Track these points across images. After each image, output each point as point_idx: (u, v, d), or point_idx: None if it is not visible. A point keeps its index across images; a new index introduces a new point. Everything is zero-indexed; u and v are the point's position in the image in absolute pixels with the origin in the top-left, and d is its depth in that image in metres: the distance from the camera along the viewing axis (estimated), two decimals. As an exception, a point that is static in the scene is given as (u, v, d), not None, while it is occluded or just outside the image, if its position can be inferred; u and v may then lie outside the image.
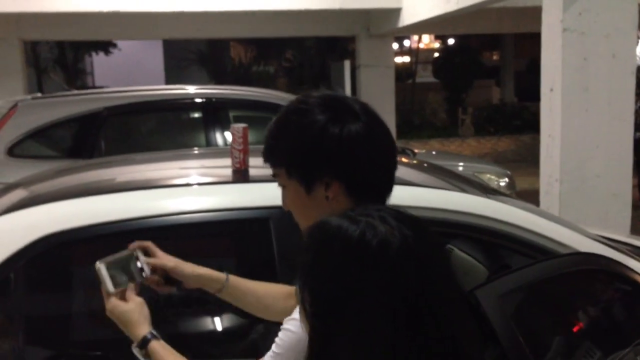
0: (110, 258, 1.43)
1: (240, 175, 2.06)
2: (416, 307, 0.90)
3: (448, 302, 0.93)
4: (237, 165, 2.07)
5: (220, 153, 3.01)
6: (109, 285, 1.39)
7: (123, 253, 1.46)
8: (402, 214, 0.97)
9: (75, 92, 6.59)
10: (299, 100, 1.31)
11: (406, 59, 21.67)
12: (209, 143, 5.12)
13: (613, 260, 1.70)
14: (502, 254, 2.19)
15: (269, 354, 1.24)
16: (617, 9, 4.02)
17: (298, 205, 1.29)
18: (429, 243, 0.96)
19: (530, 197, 4.45)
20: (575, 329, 2.03)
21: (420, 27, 9.44)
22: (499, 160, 12.75)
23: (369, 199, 1.20)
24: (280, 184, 1.32)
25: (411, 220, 0.96)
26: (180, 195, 1.99)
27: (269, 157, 1.31)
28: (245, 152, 2.07)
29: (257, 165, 2.15)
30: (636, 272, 1.72)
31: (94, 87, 17.63)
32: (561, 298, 1.83)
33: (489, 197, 2.19)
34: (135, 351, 1.38)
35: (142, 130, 5.46)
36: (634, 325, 1.86)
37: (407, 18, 7.57)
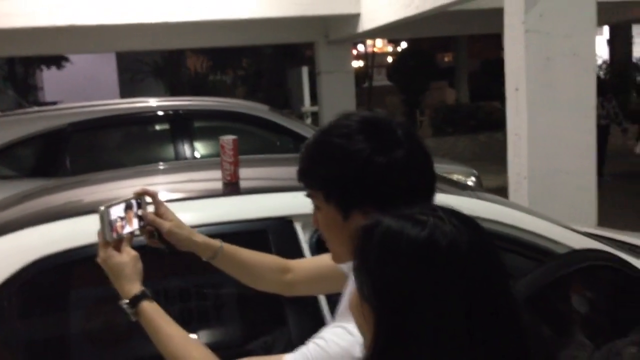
0: (115, 203, 1.40)
1: (233, 188, 2.06)
2: (486, 304, 0.93)
3: (512, 299, 0.96)
4: (229, 178, 2.07)
5: (206, 165, 2.98)
6: (107, 233, 1.36)
7: (127, 198, 1.44)
8: (458, 213, 0.99)
9: (37, 108, 6.44)
10: (341, 122, 1.27)
11: (361, 63, 21.84)
12: (177, 156, 5.07)
13: (612, 254, 1.75)
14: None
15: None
16: (577, 10, 4.15)
17: (332, 229, 1.28)
18: (488, 240, 0.98)
19: (495, 194, 4.53)
20: (568, 322, 2.09)
21: (379, 32, 9.54)
22: (459, 159, 12.93)
23: None
24: (314, 204, 1.30)
25: (467, 218, 0.99)
26: (175, 210, 1.97)
27: (306, 178, 1.30)
28: (236, 164, 2.07)
29: (247, 177, 2.15)
30: (630, 264, 1.78)
31: (45, 103, 17.21)
32: (557, 293, 1.88)
33: (476, 197, 2.24)
34: (124, 307, 1.34)
35: (108, 146, 5.37)
36: (627, 317, 1.92)
37: (366, 23, 7.63)
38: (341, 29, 8.59)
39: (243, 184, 2.08)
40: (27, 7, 6.73)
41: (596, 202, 4.47)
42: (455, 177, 5.55)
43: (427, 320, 0.91)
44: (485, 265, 0.96)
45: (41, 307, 1.87)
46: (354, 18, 7.82)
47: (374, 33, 9.14)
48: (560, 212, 4.28)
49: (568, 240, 2.00)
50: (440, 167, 5.95)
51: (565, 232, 2.07)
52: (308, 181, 1.29)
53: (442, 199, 2.14)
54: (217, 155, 2.10)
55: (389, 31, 10.19)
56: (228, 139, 2.07)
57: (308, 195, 1.31)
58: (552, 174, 4.34)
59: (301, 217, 1.82)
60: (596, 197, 4.47)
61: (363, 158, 1.20)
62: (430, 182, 1.27)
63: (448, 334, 0.91)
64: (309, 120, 8.80)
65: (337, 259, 1.35)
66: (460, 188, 2.62)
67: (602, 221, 4.91)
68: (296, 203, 1.31)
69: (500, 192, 4.64)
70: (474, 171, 5.98)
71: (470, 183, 5.66)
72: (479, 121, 14.54)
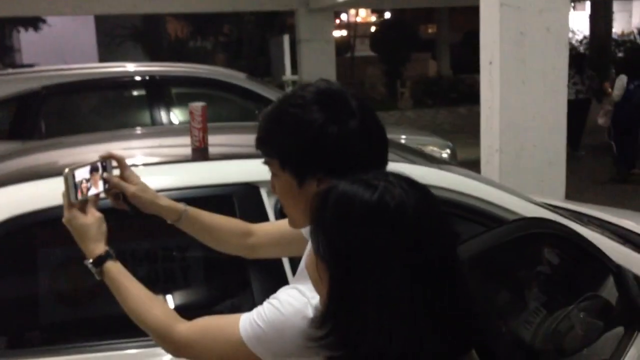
0: (80, 166, 1.44)
1: (201, 154, 2.09)
2: (431, 265, 0.99)
3: (458, 262, 1.02)
4: (197, 144, 2.11)
5: (177, 131, 3.01)
6: (71, 194, 1.40)
7: (92, 161, 1.48)
8: (407, 178, 1.05)
9: (11, 70, 6.36)
10: (296, 93, 1.32)
11: (344, 33, 21.71)
12: (153, 121, 5.07)
13: (560, 224, 1.82)
14: (456, 223, 2.30)
15: (249, 319, 1.28)
16: (551, -15, 4.18)
17: (288, 195, 1.34)
18: (435, 204, 1.05)
19: (470, 166, 4.59)
20: (523, 290, 2.17)
21: (360, 2, 9.50)
22: (438, 131, 12.96)
23: None
24: (271, 171, 1.36)
25: (416, 183, 1.05)
26: (142, 174, 2.00)
27: (263, 146, 1.35)
28: (204, 131, 2.10)
29: (215, 143, 2.19)
30: (578, 233, 1.86)
31: (22, 65, 16.94)
32: (506, 262, 1.95)
33: (439, 168, 2.30)
34: (89, 267, 1.39)
35: (83, 110, 5.35)
36: (578, 284, 2.01)
37: (347, -8, 7.62)
38: (322, -2, 8.55)
39: (211, 150, 2.12)
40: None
41: (564, 177, 4.56)
42: (430, 148, 5.63)
43: (375, 279, 0.97)
44: (430, 228, 1.01)
45: (8, 267, 1.91)
46: (335, -13, 7.79)
47: (356, 2, 9.11)
48: (530, 185, 4.38)
49: (524, 210, 2.07)
50: (416, 139, 6.05)
51: (522, 202, 2.14)
52: (265, 149, 1.34)
53: (402, 167, 2.21)
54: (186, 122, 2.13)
55: (371, 1, 10.14)
56: (197, 105, 2.10)
57: (265, 163, 1.35)
58: (522, 147, 4.42)
59: (267, 183, 1.85)
60: (565, 172, 4.56)
61: (316, 127, 1.25)
62: (383, 152, 1.32)
63: (393, 293, 0.96)
64: (289, 89, 8.73)
65: (293, 223, 1.41)
66: (426, 159, 2.68)
67: (573, 194, 5.02)
68: (262, 169, 1.35)
69: (477, 164, 4.72)
70: (449, 143, 6.05)
71: (445, 155, 5.74)
72: (460, 93, 14.59)
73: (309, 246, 1.13)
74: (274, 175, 1.35)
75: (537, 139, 4.41)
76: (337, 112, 1.27)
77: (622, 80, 8.20)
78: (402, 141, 5.74)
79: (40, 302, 1.95)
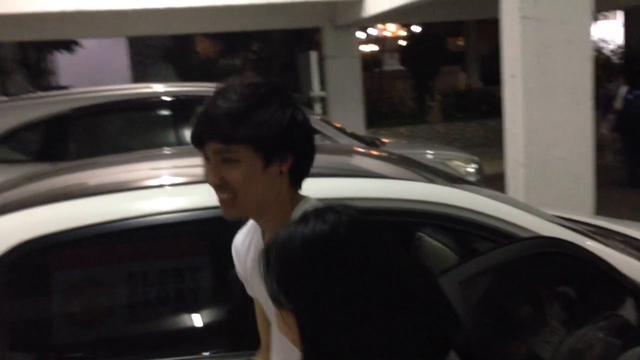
0: None
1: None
2: (380, 282, 0.99)
3: (413, 274, 1.01)
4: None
5: (190, 152, 3.05)
6: None
7: None
8: (341, 205, 1.08)
9: (41, 94, 6.53)
10: (253, 83, 1.41)
11: (374, 47, 21.74)
12: (180, 141, 5.13)
13: (572, 244, 1.79)
14: (471, 241, 2.28)
15: None
16: (572, -4, 4.14)
17: (252, 180, 1.38)
18: (371, 224, 1.07)
19: (499, 181, 4.58)
20: (540, 309, 2.13)
21: (384, 17, 9.52)
22: (468, 145, 12.93)
23: (301, 175, 1.46)
24: (229, 160, 1.37)
25: (349, 208, 1.08)
26: (167, 195, 2.03)
27: (230, 132, 1.35)
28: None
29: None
30: (593, 253, 1.82)
31: (58, 87, 17.36)
32: (525, 280, 1.92)
33: (453, 186, 2.28)
34: None
35: (111, 131, 5.45)
36: (594, 303, 1.97)
37: (371, 8, 7.64)
38: (347, 14, 8.59)
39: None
40: (34, -7, 6.80)
41: (592, 190, 4.48)
42: (455, 163, 5.59)
43: (335, 307, 0.97)
44: (368, 247, 1.02)
45: (28, 287, 1.95)
46: (359, 3, 7.83)
47: (380, 18, 9.13)
48: (557, 199, 4.31)
49: (540, 228, 2.04)
50: (441, 154, 6.01)
51: (539, 220, 2.11)
52: (231, 136, 1.35)
53: (417, 186, 2.20)
54: None
55: (395, 16, 10.17)
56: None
57: (224, 152, 1.36)
58: (548, 161, 4.36)
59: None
60: (593, 186, 4.48)
61: (290, 112, 1.39)
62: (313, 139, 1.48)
63: (355, 312, 0.97)
64: (318, 105, 8.80)
65: (240, 211, 1.43)
66: (444, 177, 2.66)
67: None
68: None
69: (505, 178, 4.66)
70: (475, 158, 6.00)
71: (470, 170, 5.69)
72: (491, 106, 14.46)
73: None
74: (229, 163, 1.37)
75: (562, 153, 4.35)
76: (294, 102, 1.42)
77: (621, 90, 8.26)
78: (429, 156, 5.71)
79: (55, 323, 1.98)
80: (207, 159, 1.40)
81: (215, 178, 1.39)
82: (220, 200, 1.43)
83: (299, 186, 1.49)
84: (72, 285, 1.99)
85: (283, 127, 1.37)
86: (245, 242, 1.60)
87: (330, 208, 1.06)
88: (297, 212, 1.43)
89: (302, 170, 1.47)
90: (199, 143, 1.40)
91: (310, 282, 0.99)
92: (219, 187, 1.41)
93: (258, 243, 1.53)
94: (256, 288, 1.54)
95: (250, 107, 1.37)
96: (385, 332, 0.97)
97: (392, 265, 1.01)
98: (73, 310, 2.00)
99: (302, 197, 1.50)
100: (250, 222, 1.59)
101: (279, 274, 1.03)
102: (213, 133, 1.36)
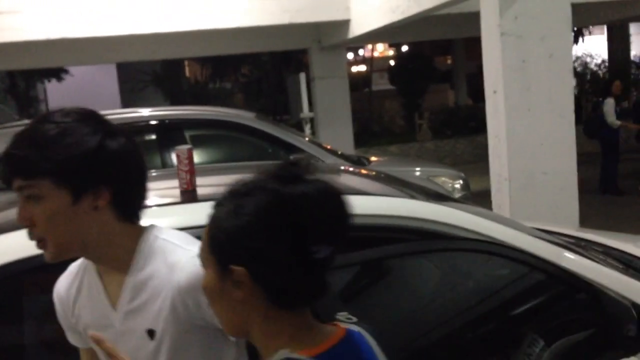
0: None
1: (190, 196, 2.11)
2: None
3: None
4: (185, 186, 2.13)
5: (167, 175, 3.05)
6: None
7: None
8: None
9: (27, 121, 6.51)
10: (59, 112, 1.33)
11: (362, 67, 21.91)
12: (164, 164, 5.13)
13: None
14: (450, 255, 2.28)
15: None
16: (552, 12, 4.19)
17: (59, 217, 1.29)
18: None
19: (487, 196, 4.59)
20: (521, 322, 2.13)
21: (370, 37, 9.58)
22: (458, 162, 12.97)
23: (130, 208, 1.37)
24: (29, 197, 1.28)
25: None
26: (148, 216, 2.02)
27: (28, 167, 1.26)
28: (192, 173, 2.13)
29: (202, 184, 2.22)
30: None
31: (48, 114, 17.29)
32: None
33: (430, 201, 2.29)
34: None
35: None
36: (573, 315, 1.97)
37: (357, 29, 7.69)
38: (333, 35, 8.65)
39: (199, 191, 2.14)
40: (21, 22, 6.83)
41: (577, 203, 4.49)
42: (442, 180, 5.61)
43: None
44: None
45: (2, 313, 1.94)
46: (345, 24, 7.89)
47: (366, 38, 9.20)
48: (542, 212, 4.33)
49: (518, 241, 2.05)
50: (428, 170, 6.02)
51: (513, 231, 2.12)
52: (28, 171, 1.26)
53: (399, 202, 2.21)
54: (202, 163, 2.16)
55: (381, 36, 10.26)
56: (183, 149, 2.13)
57: (20, 188, 1.27)
58: (532, 175, 4.38)
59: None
60: (577, 198, 4.49)
61: (97, 140, 1.29)
62: (144, 168, 1.40)
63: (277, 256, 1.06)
64: (308, 127, 8.83)
65: (55, 253, 1.33)
66: (425, 194, 2.67)
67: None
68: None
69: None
70: (462, 174, 6.02)
71: (457, 186, 5.71)
72: (479, 122, 14.55)
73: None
74: (33, 200, 1.28)
75: (546, 166, 4.37)
76: (107, 129, 1.33)
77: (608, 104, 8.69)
78: (416, 173, 5.73)
79: (28, 351, 1.96)
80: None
81: (21, 217, 1.29)
82: (37, 245, 1.32)
83: (135, 218, 1.39)
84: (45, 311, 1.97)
85: (87, 158, 1.27)
86: (72, 287, 1.47)
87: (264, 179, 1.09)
88: (144, 245, 1.37)
89: (130, 202, 1.37)
90: (6, 181, 1.28)
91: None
92: (30, 229, 1.30)
93: (93, 285, 1.42)
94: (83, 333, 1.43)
95: (50, 138, 1.27)
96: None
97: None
98: (46, 335, 1.99)
99: (144, 228, 1.40)
100: (77, 264, 1.48)
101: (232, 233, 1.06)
102: (12, 168, 1.27)
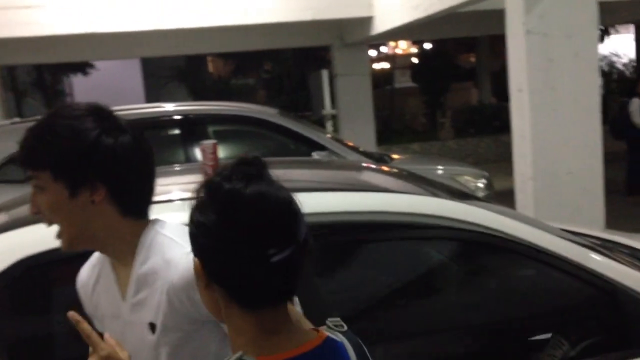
0: None
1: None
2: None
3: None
4: (209, 181, 2.14)
5: (191, 170, 3.07)
6: None
7: None
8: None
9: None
10: (68, 107, 1.38)
11: (385, 65, 21.81)
12: (188, 159, 5.17)
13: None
14: (475, 254, 2.27)
15: None
16: (578, 10, 4.14)
17: (59, 209, 1.33)
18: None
19: (510, 196, 4.56)
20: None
21: (393, 34, 9.56)
22: (481, 161, 12.86)
23: (131, 204, 1.38)
24: (36, 187, 1.34)
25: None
26: (163, 211, 2.04)
27: (31, 159, 1.33)
28: (216, 168, 2.14)
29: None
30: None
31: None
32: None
33: (455, 200, 2.28)
34: None
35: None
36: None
37: (379, 26, 7.67)
38: (356, 32, 8.64)
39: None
40: (46, 17, 6.92)
41: (603, 204, 4.44)
42: (465, 178, 5.57)
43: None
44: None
45: (27, 304, 1.96)
46: (367, 21, 7.87)
47: (389, 35, 9.17)
48: (566, 213, 4.28)
49: (539, 239, 2.03)
50: (451, 169, 5.99)
51: (539, 232, 2.10)
52: (34, 162, 1.33)
53: (423, 200, 2.20)
54: (225, 158, 2.16)
55: (403, 33, 10.21)
56: (208, 143, 2.14)
57: (29, 178, 1.33)
58: (556, 175, 4.33)
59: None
60: (602, 199, 4.44)
61: (94, 136, 1.32)
62: (151, 166, 1.41)
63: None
64: (330, 123, 8.82)
65: (68, 244, 1.38)
66: (448, 192, 2.66)
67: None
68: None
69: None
70: (485, 173, 5.97)
71: (480, 185, 5.67)
72: (503, 121, 14.40)
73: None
74: (39, 191, 1.33)
75: (571, 166, 4.33)
76: (110, 126, 1.34)
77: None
78: (438, 171, 5.70)
79: (56, 341, 1.99)
80: None
81: (31, 205, 1.35)
82: (56, 235, 1.38)
83: (139, 213, 1.41)
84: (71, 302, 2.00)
85: (82, 153, 1.31)
86: (92, 277, 1.52)
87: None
88: (145, 240, 1.39)
89: (129, 198, 1.38)
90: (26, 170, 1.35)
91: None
92: (42, 217, 1.37)
93: (108, 276, 1.46)
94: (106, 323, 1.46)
95: (53, 132, 1.32)
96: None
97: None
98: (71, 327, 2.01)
99: (147, 224, 1.41)
100: (96, 255, 1.52)
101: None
102: (22, 158, 1.35)
